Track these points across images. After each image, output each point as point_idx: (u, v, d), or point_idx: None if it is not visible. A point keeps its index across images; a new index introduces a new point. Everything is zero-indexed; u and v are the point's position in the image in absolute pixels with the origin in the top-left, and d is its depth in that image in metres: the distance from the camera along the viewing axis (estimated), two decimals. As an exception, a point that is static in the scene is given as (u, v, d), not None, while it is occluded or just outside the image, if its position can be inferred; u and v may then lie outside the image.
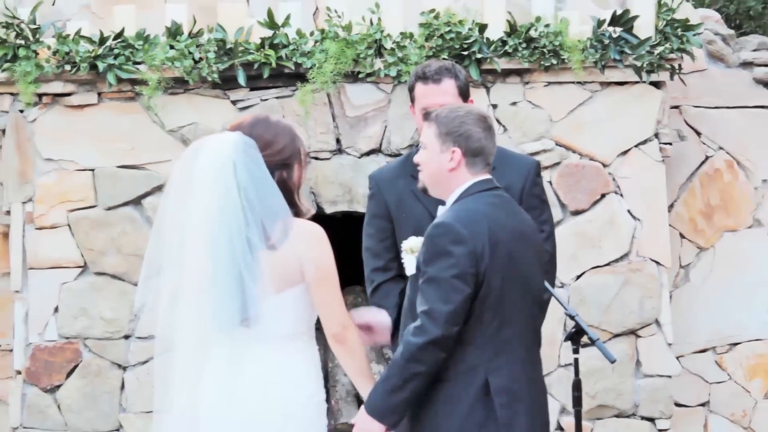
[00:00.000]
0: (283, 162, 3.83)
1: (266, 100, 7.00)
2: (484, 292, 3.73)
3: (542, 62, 6.93)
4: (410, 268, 3.92)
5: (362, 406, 3.76)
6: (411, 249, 4.00)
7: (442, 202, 3.98)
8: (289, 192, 3.84)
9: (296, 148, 3.88)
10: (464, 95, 4.49)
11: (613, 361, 4.10)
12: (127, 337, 7.01)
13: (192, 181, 3.74)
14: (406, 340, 3.70)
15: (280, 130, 3.86)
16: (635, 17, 6.92)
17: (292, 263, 3.80)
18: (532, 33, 6.90)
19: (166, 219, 3.80)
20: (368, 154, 7.02)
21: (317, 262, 3.79)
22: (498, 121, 7.06)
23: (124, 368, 7.03)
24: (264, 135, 3.83)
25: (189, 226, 3.74)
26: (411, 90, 4.52)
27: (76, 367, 7.03)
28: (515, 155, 4.71)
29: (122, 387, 7.04)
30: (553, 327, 6.82)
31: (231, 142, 3.78)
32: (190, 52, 6.87)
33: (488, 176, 3.90)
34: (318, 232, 3.84)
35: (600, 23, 6.95)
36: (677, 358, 7.20)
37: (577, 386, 4.24)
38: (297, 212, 3.86)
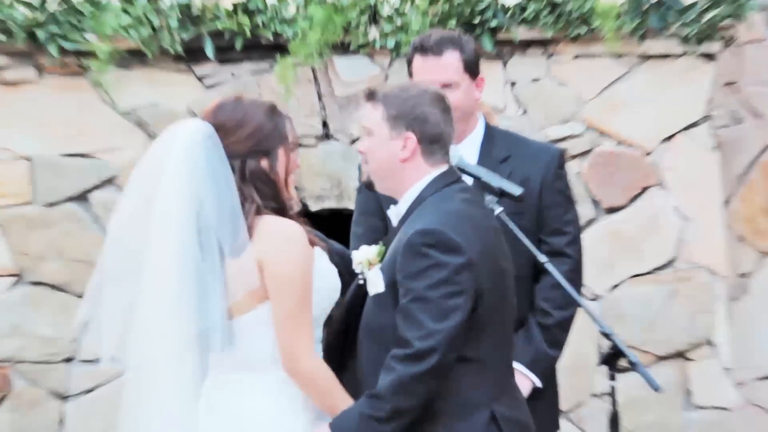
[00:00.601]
0: (258, 149, 3.70)
1: (239, 76, 6.78)
2: (482, 309, 3.65)
3: (569, 31, 6.72)
4: (376, 286, 3.71)
5: (328, 423, 3.68)
6: (368, 261, 3.76)
7: None
8: (271, 184, 3.71)
9: (277, 130, 3.74)
10: (472, 71, 4.38)
11: (657, 390, 3.98)
12: (68, 360, 6.76)
13: (151, 180, 3.66)
14: (397, 370, 3.57)
15: (251, 111, 3.72)
16: (680, -23, 7.08)
17: (256, 271, 3.66)
18: (557, -3, 7.05)
19: (124, 220, 3.68)
20: (360, 140, 6.98)
21: (272, 267, 3.61)
22: (517, 100, 6.88)
23: (65, 398, 6.79)
24: (231, 119, 3.70)
25: (148, 231, 3.65)
26: (409, 63, 4.42)
27: (5, 397, 6.77)
28: (534, 143, 4.60)
29: (61, 421, 6.77)
30: (585, 348, 6.66)
31: (194, 133, 3.68)
32: (148, 19, 6.62)
33: (447, 166, 3.80)
34: (286, 230, 3.68)
35: (638, -15, 7.09)
36: (736, 386, 7.02)
37: (614, 420, 4.14)
38: (281, 209, 3.72)
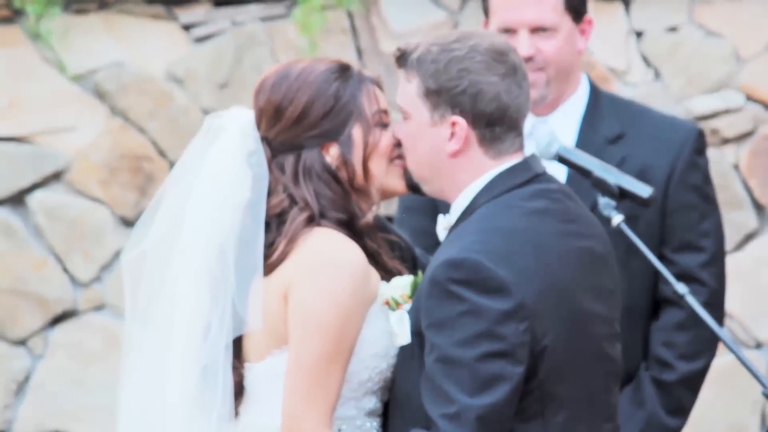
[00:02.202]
0: (316, 134, 3.80)
1: (242, 24, 6.96)
2: (546, 373, 3.57)
3: (722, -44, 6.69)
4: (399, 335, 3.66)
5: None
6: (394, 300, 3.70)
7: None
8: (334, 183, 3.79)
9: (344, 101, 3.81)
10: (575, 10, 4.47)
11: None
12: (0, 434, 6.69)
13: (179, 200, 3.77)
14: None
15: (302, 79, 3.80)
16: None
17: (276, 302, 3.74)
18: None
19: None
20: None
21: (297, 297, 3.67)
22: (645, 60, 7.05)
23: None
24: (275, 96, 3.81)
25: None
26: (485, -1, 4.46)
27: None
28: (660, 117, 4.66)
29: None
30: (741, 414, 6.96)
31: (233, 131, 3.83)
32: (110, -60, 6.64)
33: (521, 157, 3.70)
34: (328, 250, 3.70)
35: None
36: None
37: None
38: (349, 219, 3.74)
